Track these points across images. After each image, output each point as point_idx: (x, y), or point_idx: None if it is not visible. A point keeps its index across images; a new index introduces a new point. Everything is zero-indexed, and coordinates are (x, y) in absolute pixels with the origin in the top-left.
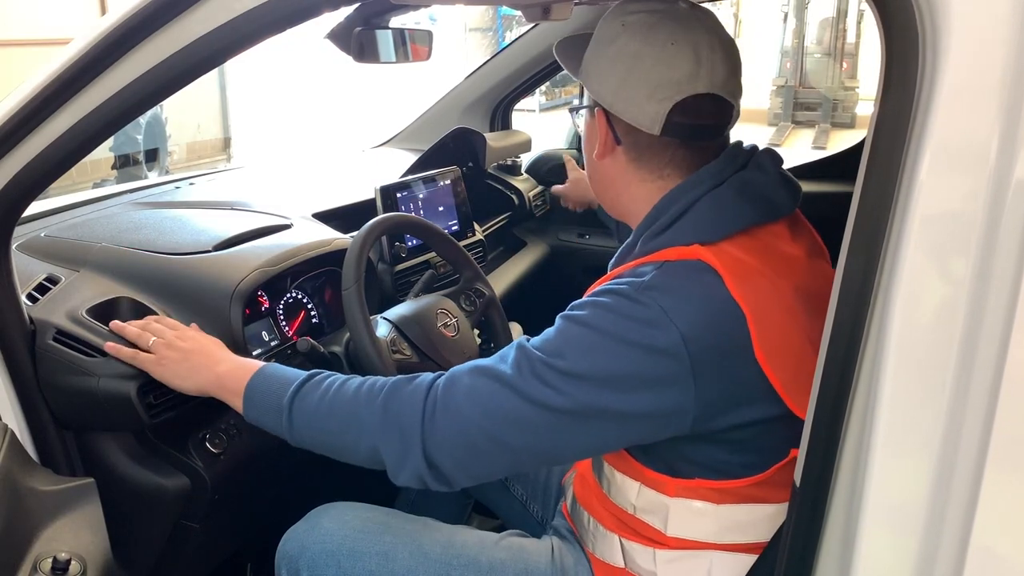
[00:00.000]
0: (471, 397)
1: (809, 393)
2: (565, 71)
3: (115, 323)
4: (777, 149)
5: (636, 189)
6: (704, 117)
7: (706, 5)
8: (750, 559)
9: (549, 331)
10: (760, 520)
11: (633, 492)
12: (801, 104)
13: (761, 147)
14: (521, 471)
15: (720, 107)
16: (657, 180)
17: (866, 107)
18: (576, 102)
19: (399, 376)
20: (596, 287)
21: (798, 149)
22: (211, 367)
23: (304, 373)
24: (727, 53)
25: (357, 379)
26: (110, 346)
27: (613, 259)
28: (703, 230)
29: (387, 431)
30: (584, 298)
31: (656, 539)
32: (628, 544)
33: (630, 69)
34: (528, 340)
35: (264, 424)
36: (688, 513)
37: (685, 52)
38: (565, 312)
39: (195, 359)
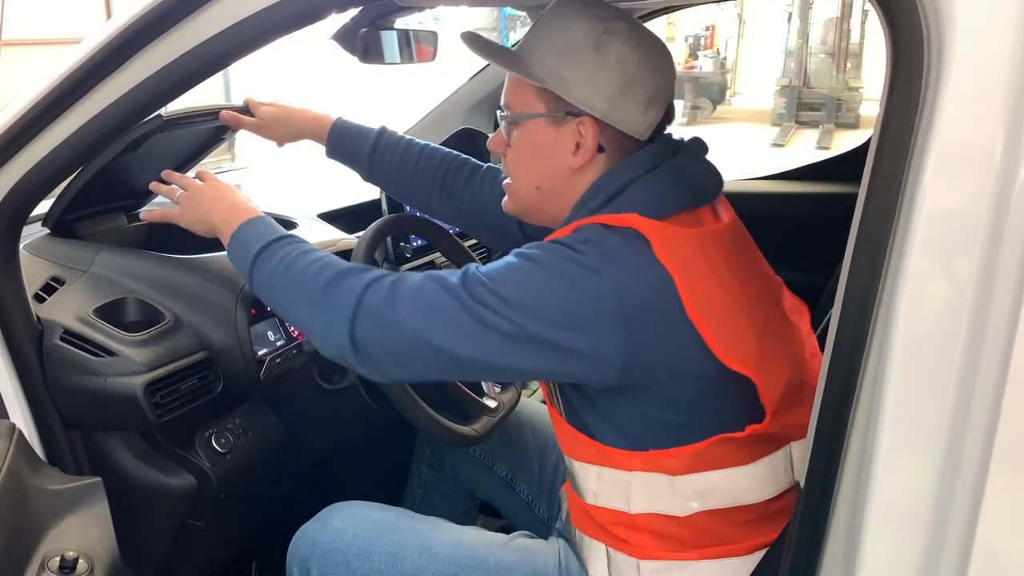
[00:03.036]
0: (416, 296)
1: (743, 355)
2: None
3: (154, 184)
4: (781, 149)
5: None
6: (668, 119)
7: (708, 5)
8: (735, 565)
9: (498, 261)
10: (720, 487)
11: (593, 477)
12: (805, 104)
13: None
14: (444, 378)
15: (672, 109)
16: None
17: (870, 107)
18: (507, 108)
19: (338, 260)
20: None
21: (802, 149)
22: (213, 212)
23: (281, 234)
24: None
25: (322, 252)
26: (145, 213)
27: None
28: (641, 209)
29: (325, 299)
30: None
31: (625, 538)
32: (613, 554)
33: (633, 78)
34: (478, 268)
35: (239, 270)
36: (649, 486)
37: (666, 58)
38: (516, 250)
39: (205, 204)
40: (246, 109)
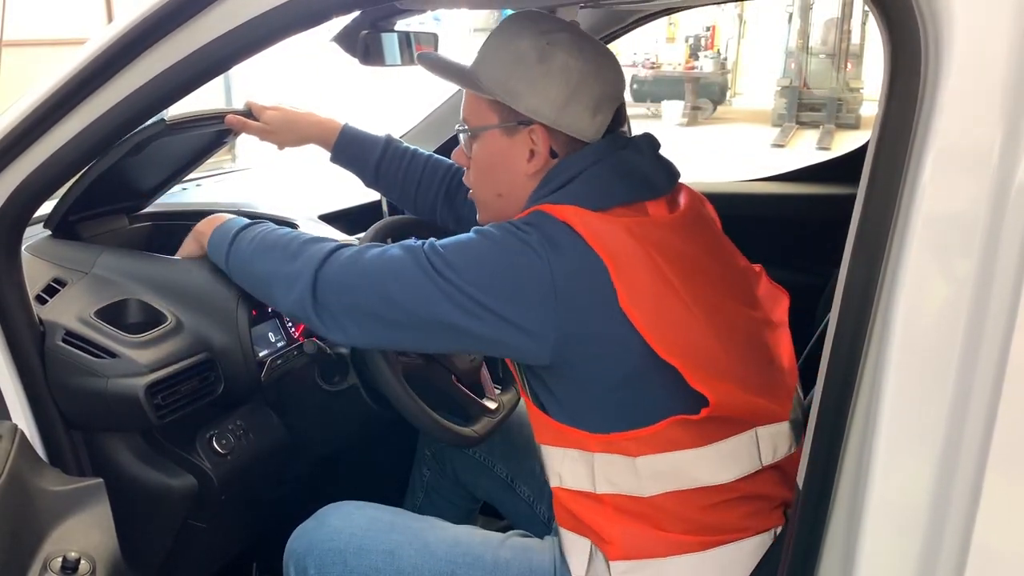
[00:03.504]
0: (380, 255)
1: (674, 343)
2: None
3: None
4: (781, 150)
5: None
6: (619, 120)
7: (709, 7)
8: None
9: (458, 235)
10: (678, 467)
11: (558, 458)
12: (805, 105)
13: (639, 134)
14: (397, 342)
15: (623, 110)
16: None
17: (871, 108)
18: (466, 123)
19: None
20: None
21: (802, 150)
22: (197, 233)
23: (255, 221)
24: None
25: (295, 231)
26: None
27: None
28: (580, 200)
29: (294, 258)
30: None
31: (596, 528)
32: (594, 550)
33: (578, 85)
34: (437, 240)
35: (217, 256)
36: (611, 467)
37: (612, 65)
38: (475, 227)
39: (196, 229)
40: (249, 113)
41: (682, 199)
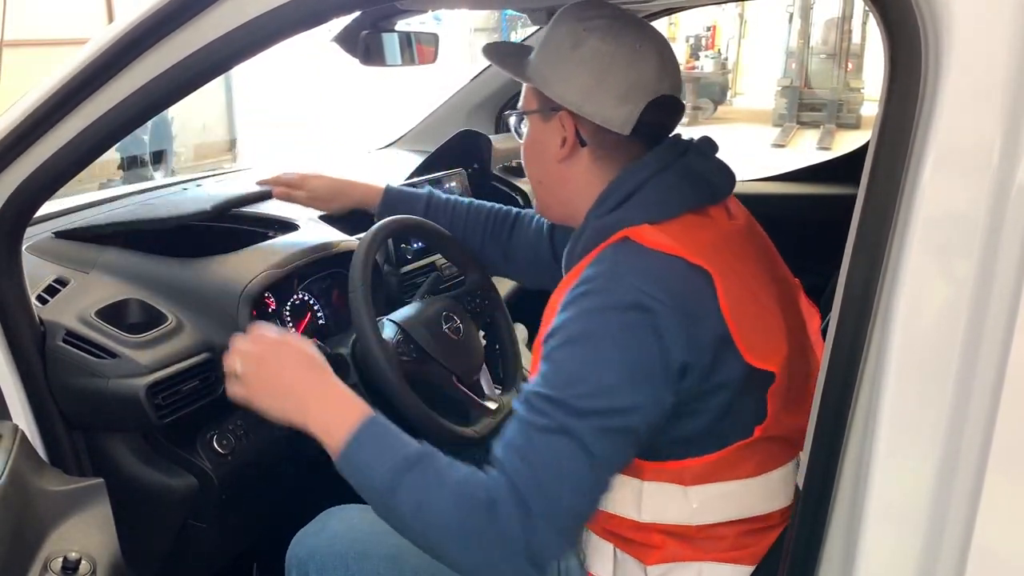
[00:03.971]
0: (537, 467)
1: (770, 352)
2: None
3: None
4: (782, 150)
5: (593, 187)
6: (665, 117)
7: (710, 6)
8: (741, 571)
9: (551, 366)
10: (731, 497)
11: None
12: (806, 105)
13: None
14: (597, 495)
15: (677, 107)
16: (613, 176)
17: (871, 108)
18: (519, 107)
19: (475, 486)
20: (565, 292)
21: (803, 150)
22: (303, 405)
23: (402, 457)
24: (676, 59)
25: (454, 480)
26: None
27: (568, 247)
28: (651, 211)
29: (479, 547)
30: (560, 314)
31: (633, 538)
32: (620, 555)
33: (604, 71)
34: (535, 388)
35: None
36: (661, 495)
37: (652, 55)
38: (553, 341)
39: (290, 392)
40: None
41: (731, 203)
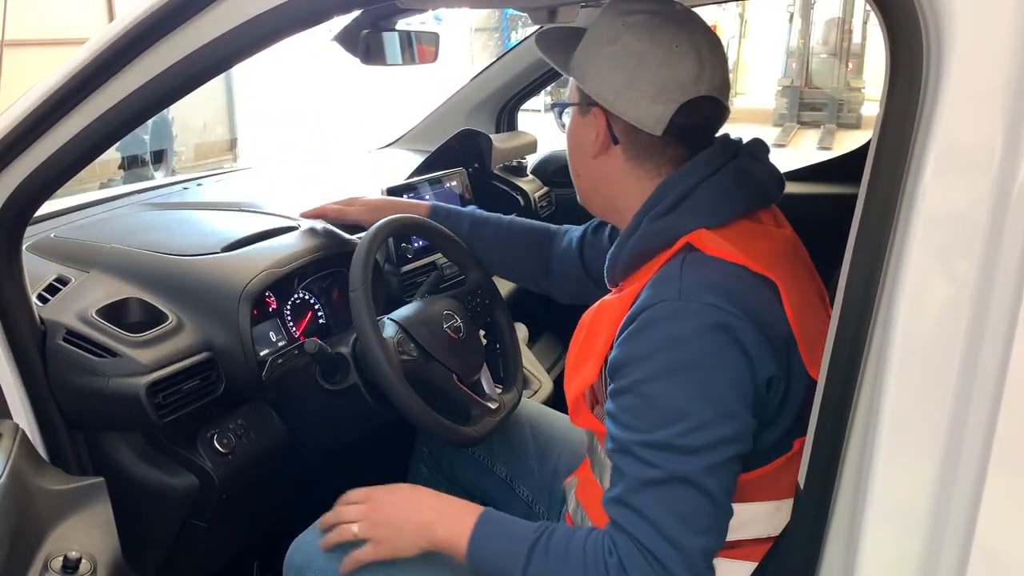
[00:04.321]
0: (656, 519)
1: (819, 358)
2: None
3: (322, 541)
4: (783, 150)
5: (631, 187)
6: (703, 118)
7: (711, 6)
8: (748, 567)
9: (642, 404)
10: (758, 518)
11: None
12: (807, 104)
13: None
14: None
15: (718, 109)
16: (654, 178)
17: (872, 108)
18: (566, 98)
19: (600, 550)
20: (623, 311)
21: (804, 150)
22: (424, 529)
23: (524, 537)
24: (722, 56)
25: (576, 546)
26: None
27: (614, 248)
28: (705, 216)
29: None
30: (632, 343)
31: None
32: None
33: (636, 69)
34: (632, 435)
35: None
36: None
37: (689, 54)
38: (635, 375)
39: (406, 522)
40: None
41: (776, 211)
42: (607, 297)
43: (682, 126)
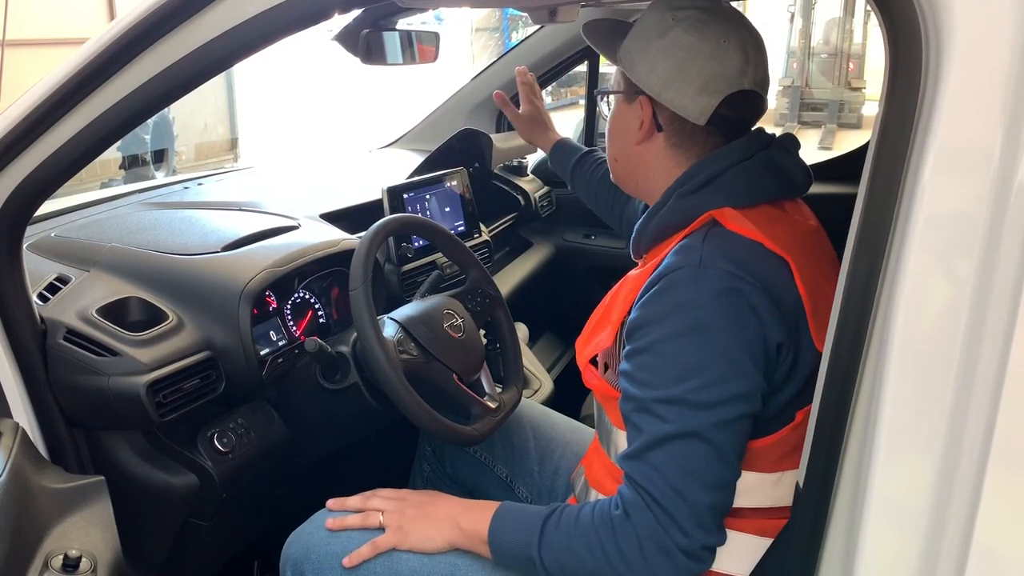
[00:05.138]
0: (666, 471)
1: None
2: (571, 72)
3: (333, 521)
4: None
5: (669, 172)
6: (745, 111)
7: None
8: (761, 543)
9: (658, 361)
10: (760, 489)
11: None
12: (807, 104)
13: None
14: (731, 469)
15: (758, 103)
16: (691, 161)
17: (873, 108)
18: (610, 85)
19: (608, 506)
20: (650, 273)
21: (805, 150)
22: (452, 519)
23: (538, 514)
24: (764, 54)
25: (586, 512)
26: (347, 560)
27: (641, 220)
28: (732, 196)
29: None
30: (650, 305)
31: None
32: None
33: (684, 61)
34: (647, 392)
35: (518, 570)
36: None
37: (736, 50)
38: (653, 335)
39: (434, 514)
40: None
41: (803, 207)
42: (631, 272)
43: (724, 117)
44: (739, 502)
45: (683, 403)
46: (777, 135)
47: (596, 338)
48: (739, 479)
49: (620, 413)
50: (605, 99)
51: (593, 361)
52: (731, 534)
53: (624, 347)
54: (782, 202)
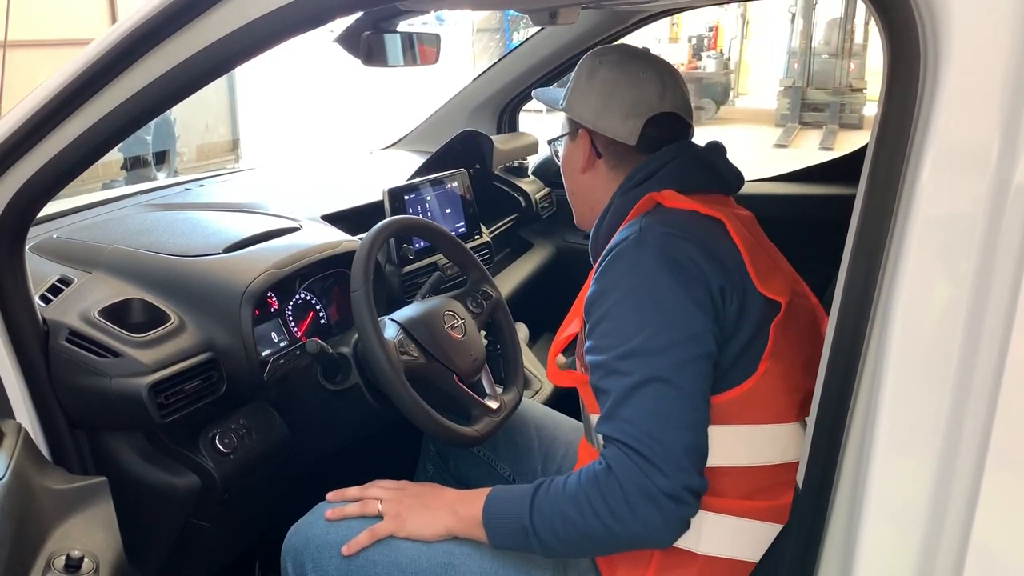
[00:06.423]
0: (638, 420)
1: (774, 284)
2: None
3: (332, 510)
4: (784, 150)
5: (613, 192)
6: (668, 131)
7: (714, 7)
8: (761, 528)
9: (612, 323)
10: (739, 439)
11: None
12: (808, 105)
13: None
14: (702, 418)
15: (681, 124)
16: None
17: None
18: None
19: (589, 465)
20: (598, 266)
21: (805, 150)
22: (449, 506)
23: (529, 487)
24: (681, 82)
25: (572, 477)
26: (346, 548)
27: (595, 225)
28: (670, 183)
29: (628, 516)
30: (601, 280)
31: None
32: None
33: (611, 93)
34: (607, 355)
35: (515, 548)
36: None
37: (653, 80)
38: (605, 303)
39: (432, 502)
40: None
41: (738, 207)
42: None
43: (651, 137)
44: (714, 461)
45: (640, 352)
46: (706, 143)
47: (566, 329)
48: (717, 438)
49: (593, 395)
50: (554, 147)
51: (571, 365)
52: (721, 518)
53: (586, 327)
54: (718, 195)
